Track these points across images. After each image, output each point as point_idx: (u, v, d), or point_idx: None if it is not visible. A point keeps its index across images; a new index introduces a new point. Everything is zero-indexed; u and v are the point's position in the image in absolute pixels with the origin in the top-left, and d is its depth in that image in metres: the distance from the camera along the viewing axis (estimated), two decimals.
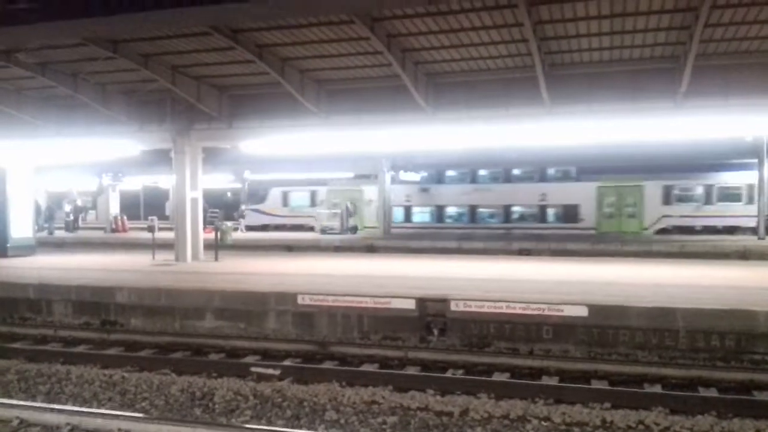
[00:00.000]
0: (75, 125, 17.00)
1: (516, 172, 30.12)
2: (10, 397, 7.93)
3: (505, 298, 10.05)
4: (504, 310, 9.76)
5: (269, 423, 6.93)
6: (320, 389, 8.00)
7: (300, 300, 10.97)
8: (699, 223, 27.00)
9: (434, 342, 10.08)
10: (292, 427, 6.70)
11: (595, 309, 9.49)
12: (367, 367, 9.02)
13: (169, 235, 18.64)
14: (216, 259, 16.79)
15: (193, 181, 16.88)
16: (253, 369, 8.79)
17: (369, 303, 10.61)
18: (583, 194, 28.41)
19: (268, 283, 12.46)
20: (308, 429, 6.68)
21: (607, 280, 12.33)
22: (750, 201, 25.90)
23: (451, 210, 30.79)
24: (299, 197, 32.78)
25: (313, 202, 32.43)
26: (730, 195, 26.95)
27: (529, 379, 8.38)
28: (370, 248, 22.01)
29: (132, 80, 15.33)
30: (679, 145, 19.81)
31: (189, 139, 16.57)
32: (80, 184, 35.69)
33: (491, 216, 29.96)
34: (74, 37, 12.51)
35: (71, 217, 33.49)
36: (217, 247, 17.15)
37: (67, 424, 6.66)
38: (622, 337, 9.33)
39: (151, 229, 19.08)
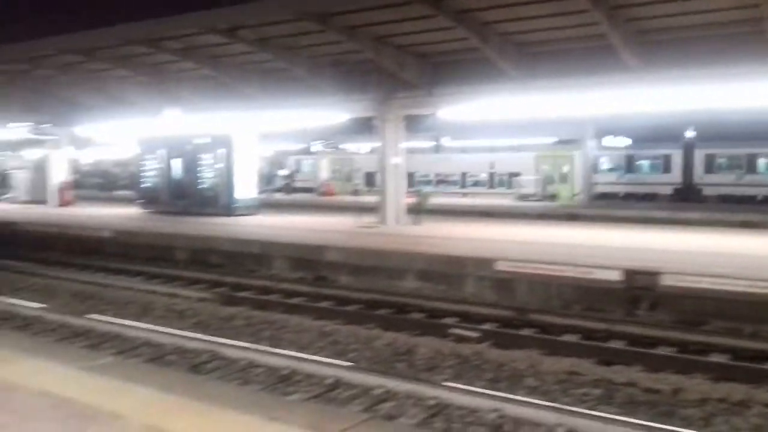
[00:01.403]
0: (287, 97, 18.22)
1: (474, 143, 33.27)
2: (240, 339, 8.92)
3: (726, 274, 9.19)
4: (725, 287, 8.94)
5: (469, 383, 7.09)
6: (519, 355, 8.02)
7: (498, 266, 10.98)
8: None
9: (642, 316, 9.56)
10: (492, 390, 6.80)
11: None
12: (568, 338, 8.83)
13: (372, 198, 19.57)
14: (416, 223, 17.33)
15: (395, 148, 17.47)
16: (453, 330, 9.02)
17: (570, 272, 10.32)
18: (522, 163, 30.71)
19: (467, 247, 12.60)
20: (509, 393, 6.73)
21: None
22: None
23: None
24: (308, 164, 38.23)
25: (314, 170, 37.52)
26: None
27: (753, 362, 7.64)
28: (571, 216, 21.26)
29: (337, 52, 16.11)
30: None
31: (390, 107, 17.08)
32: (292, 151, 39.03)
33: (455, 182, 32.75)
34: (288, 14, 13.47)
35: (287, 181, 36.78)
36: (418, 211, 17.69)
37: (287, 366, 7.34)
38: None
39: (355, 192, 20.16)
